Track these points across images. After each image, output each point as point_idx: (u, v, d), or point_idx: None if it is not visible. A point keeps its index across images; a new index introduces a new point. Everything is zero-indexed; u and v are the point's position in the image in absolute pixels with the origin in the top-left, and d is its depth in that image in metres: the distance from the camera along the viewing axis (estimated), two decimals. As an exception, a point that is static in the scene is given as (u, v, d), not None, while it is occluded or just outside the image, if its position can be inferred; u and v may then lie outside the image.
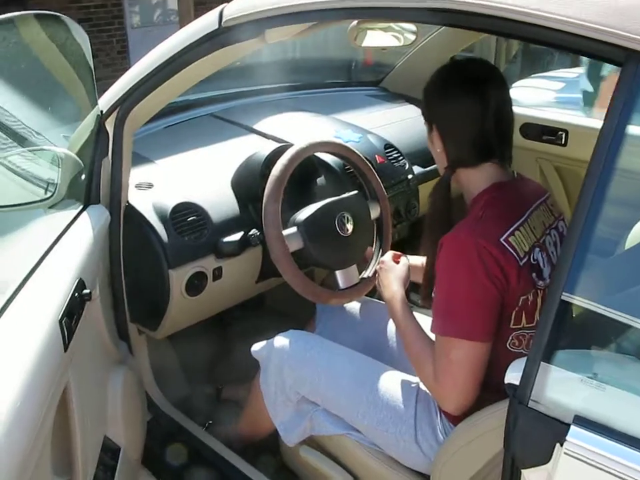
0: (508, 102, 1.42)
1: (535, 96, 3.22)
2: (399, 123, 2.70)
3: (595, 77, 3.02)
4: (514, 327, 1.36)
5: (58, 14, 1.57)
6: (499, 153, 1.42)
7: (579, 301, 0.98)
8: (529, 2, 1.03)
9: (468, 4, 1.07)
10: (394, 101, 2.97)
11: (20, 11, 1.52)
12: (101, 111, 1.68)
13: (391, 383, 1.61)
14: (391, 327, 1.87)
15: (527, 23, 1.04)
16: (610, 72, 2.87)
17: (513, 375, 1.05)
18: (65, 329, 1.26)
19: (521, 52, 7.68)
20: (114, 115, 1.70)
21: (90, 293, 1.42)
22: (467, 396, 1.35)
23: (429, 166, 2.52)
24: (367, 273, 1.96)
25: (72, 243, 1.52)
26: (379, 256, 2.00)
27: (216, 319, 2.11)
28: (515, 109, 1.45)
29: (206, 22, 1.49)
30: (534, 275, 1.34)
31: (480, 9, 1.08)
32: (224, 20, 1.44)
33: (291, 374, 1.72)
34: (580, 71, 4.95)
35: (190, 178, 1.99)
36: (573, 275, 0.98)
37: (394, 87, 3.09)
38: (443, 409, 1.44)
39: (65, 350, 1.26)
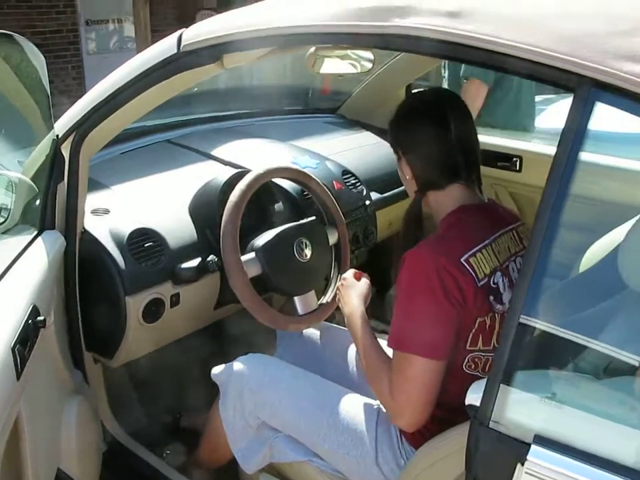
0: (470, 124, 1.47)
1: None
2: (356, 150, 2.72)
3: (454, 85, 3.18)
4: (470, 348, 1.37)
5: (12, 33, 1.55)
6: (464, 174, 1.45)
7: (537, 324, 1.00)
8: (485, 29, 1.05)
9: (429, 30, 1.09)
10: (351, 128, 3.00)
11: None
12: (57, 135, 1.66)
13: (352, 405, 1.61)
14: (351, 351, 1.87)
15: (482, 49, 1.06)
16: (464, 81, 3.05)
17: (473, 397, 1.06)
18: (17, 356, 1.23)
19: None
20: (70, 139, 1.68)
21: (44, 320, 1.39)
22: (420, 413, 1.35)
23: (387, 192, 2.55)
24: (326, 299, 1.96)
25: (26, 269, 1.49)
26: (337, 281, 2.00)
27: (174, 346, 2.09)
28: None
29: (164, 46, 1.49)
30: (491, 297, 1.35)
31: (435, 34, 1.10)
32: (182, 44, 1.44)
33: (250, 398, 1.70)
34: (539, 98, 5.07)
35: (147, 204, 1.97)
36: (531, 298, 0.99)
37: (351, 114, 3.12)
38: (396, 424, 1.44)
39: (18, 378, 1.23)
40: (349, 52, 2.21)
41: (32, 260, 1.54)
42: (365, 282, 1.72)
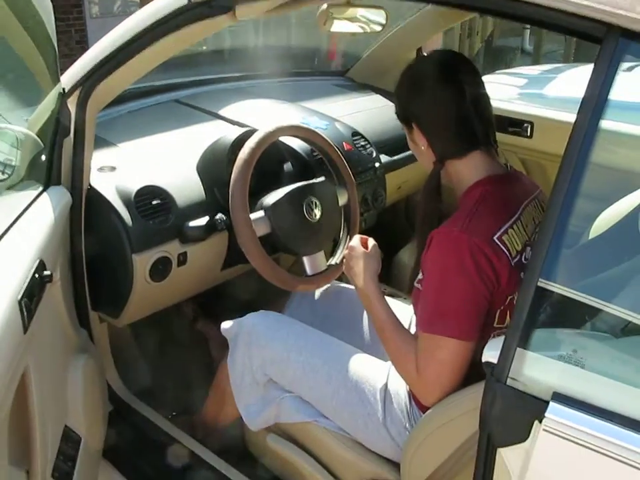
0: (482, 86, 1.41)
1: (499, 91, 3.22)
2: (365, 112, 2.68)
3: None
4: (497, 325, 1.34)
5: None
6: (483, 138, 1.40)
7: (555, 287, 0.97)
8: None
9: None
10: (360, 91, 2.95)
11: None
12: (63, 89, 1.62)
13: (362, 364, 1.60)
14: (362, 311, 1.85)
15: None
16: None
17: (490, 354, 1.04)
18: (24, 309, 1.21)
19: (483, 49, 7.75)
20: (76, 93, 1.64)
21: (51, 274, 1.37)
22: (449, 393, 1.32)
23: (396, 155, 2.51)
24: (335, 260, 1.93)
25: (32, 224, 1.46)
26: (346, 242, 1.98)
27: (181, 305, 2.07)
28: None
29: (174, -2, 1.45)
30: (522, 274, 1.31)
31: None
32: (193, -5, 1.40)
33: (259, 353, 1.69)
34: (542, 68, 5.00)
35: (154, 162, 1.94)
36: (549, 261, 0.97)
37: (360, 77, 3.07)
38: (424, 403, 1.40)
39: (25, 331, 1.21)
40: (359, 14, 2.18)
41: (37, 215, 1.51)
42: (373, 250, 1.64)
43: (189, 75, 2.68)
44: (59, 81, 1.62)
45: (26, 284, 1.24)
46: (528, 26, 11.52)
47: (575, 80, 3.95)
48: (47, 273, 1.36)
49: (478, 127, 1.38)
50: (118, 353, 2.01)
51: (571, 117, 2.85)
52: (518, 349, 0.99)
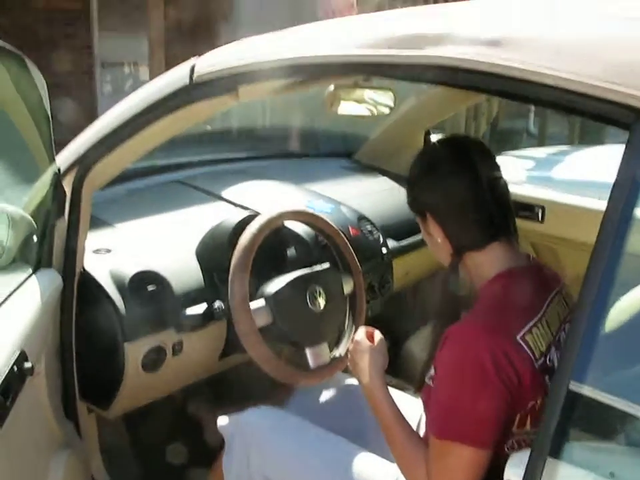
0: (499, 170, 1.33)
1: (507, 173, 3.19)
2: (372, 195, 2.62)
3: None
4: (517, 430, 1.22)
5: (19, 53, 1.45)
6: (504, 228, 1.30)
7: (589, 391, 0.87)
8: (529, 58, 0.95)
9: (467, 61, 0.99)
10: (367, 173, 2.90)
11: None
12: (59, 169, 1.56)
13: (368, 467, 1.48)
14: (367, 407, 1.73)
15: (525, 80, 0.95)
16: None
17: (514, 472, 0.92)
18: None
19: (489, 131, 7.79)
20: (72, 173, 1.58)
21: (32, 367, 1.27)
22: None
23: (404, 239, 2.43)
24: (339, 352, 1.82)
25: (16, 310, 1.37)
26: (351, 333, 1.87)
27: (175, 396, 1.96)
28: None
29: (176, 76, 1.39)
30: (547, 377, 1.20)
31: (474, 65, 0.99)
32: (195, 75, 1.35)
33: (258, 453, 1.57)
34: (548, 150, 4.99)
35: (151, 245, 1.86)
36: (581, 362, 0.87)
37: (367, 159, 3.02)
38: None
39: (-3, 432, 1.10)
40: (367, 96, 2.14)
41: (24, 300, 1.42)
42: (380, 344, 1.53)
43: (192, 155, 2.64)
44: (54, 159, 1.56)
45: (2, 378, 1.14)
46: (533, 108, 11.69)
47: (583, 163, 3.93)
48: (27, 365, 1.26)
49: (497, 215, 1.28)
50: (106, 446, 1.88)
51: (583, 201, 2.78)
52: (547, 467, 0.87)
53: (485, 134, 7.41)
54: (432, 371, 1.30)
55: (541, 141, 9.34)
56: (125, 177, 2.28)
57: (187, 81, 1.36)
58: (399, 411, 1.38)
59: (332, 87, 1.99)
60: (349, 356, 1.54)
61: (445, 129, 5.05)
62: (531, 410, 1.20)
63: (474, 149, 1.33)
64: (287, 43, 1.27)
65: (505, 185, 1.33)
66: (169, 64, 7.74)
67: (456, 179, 1.28)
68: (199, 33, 5.79)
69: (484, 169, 1.28)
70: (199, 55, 1.39)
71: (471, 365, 1.16)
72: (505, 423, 1.19)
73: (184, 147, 2.68)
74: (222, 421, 1.65)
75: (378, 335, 1.56)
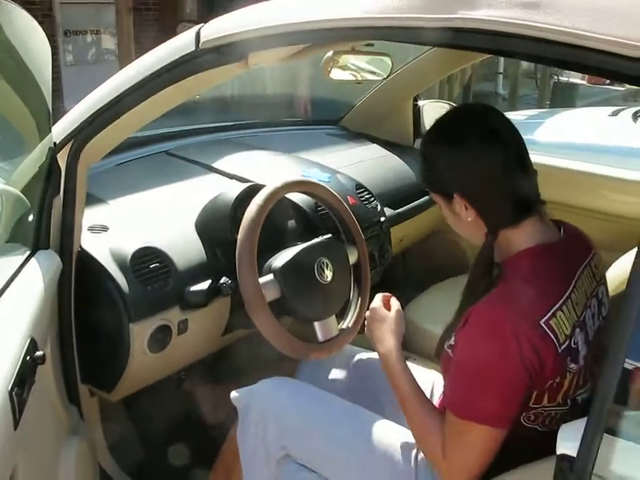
0: (521, 138, 1.24)
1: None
2: (364, 163, 2.56)
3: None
4: (533, 405, 1.19)
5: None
6: (536, 200, 1.24)
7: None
8: (571, 21, 0.90)
9: (503, 24, 0.93)
10: (356, 140, 2.84)
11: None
12: (54, 143, 1.47)
13: (389, 433, 1.46)
14: (380, 376, 1.70)
15: (567, 44, 0.90)
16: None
17: (566, 445, 0.89)
18: (15, 401, 1.04)
19: (462, 94, 7.78)
20: (67, 147, 1.49)
21: (43, 355, 1.20)
22: (476, 476, 1.20)
23: (399, 207, 2.40)
24: (346, 323, 1.79)
25: (20, 296, 1.30)
26: (357, 304, 1.83)
27: (178, 374, 1.91)
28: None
29: (181, 43, 1.32)
30: (569, 359, 1.17)
31: (511, 28, 0.94)
32: (202, 41, 1.27)
33: (274, 424, 1.54)
34: (527, 113, 4.97)
35: (149, 220, 1.79)
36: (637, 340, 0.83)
37: (354, 126, 2.97)
38: None
39: (15, 427, 1.04)
40: (364, 60, 2.09)
41: (26, 285, 1.35)
42: (397, 311, 1.50)
43: (178, 124, 2.54)
44: (49, 132, 1.47)
45: (17, 369, 1.08)
46: (501, 70, 11.68)
47: (564, 125, 3.92)
48: (39, 353, 1.20)
49: (528, 187, 1.22)
50: (110, 428, 1.83)
51: (571, 164, 2.72)
52: (605, 440, 0.84)
53: (458, 97, 7.38)
54: (452, 341, 1.26)
55: (512, 104, 9.36)
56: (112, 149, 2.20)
57: (192, 47, 1.29)
58: (415, 381, 1.36)
59: (330, 53, 1.93)
60: (366, 324, 1.51)
61: (420, 94, 5.00)
62: (549, 388, 1.18)
63: (495, 116, 1.25)
64: (301, 6, 1.20)
65: (530, 159, 1.25)
66: (135, 32, 7.55)
67: (487, 152, 1.20)
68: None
69: (510, 138, 1.21)
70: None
71: (494, 347, 1.13)
72: (523, 401, 1.17)
73: (167, 116, 2.59)
74: (235, 393, 1.61)
75: (395, 303, 1.54)
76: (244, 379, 1.68)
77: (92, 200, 1.84)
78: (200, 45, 1.28)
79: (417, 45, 1.89)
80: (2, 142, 1.68)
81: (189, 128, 2.59)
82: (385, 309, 1.53)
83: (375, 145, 2.79)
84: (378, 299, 1.55)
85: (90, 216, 1.73)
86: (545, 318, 1.13)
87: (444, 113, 1.32)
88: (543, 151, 2.70)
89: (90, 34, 8.63)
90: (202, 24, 1.31)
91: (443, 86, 6.94)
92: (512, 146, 1.21)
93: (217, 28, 1.27)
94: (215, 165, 2.21)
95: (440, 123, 1.30)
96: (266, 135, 2.77)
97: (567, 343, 1.15)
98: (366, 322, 1.53)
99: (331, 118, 3.03)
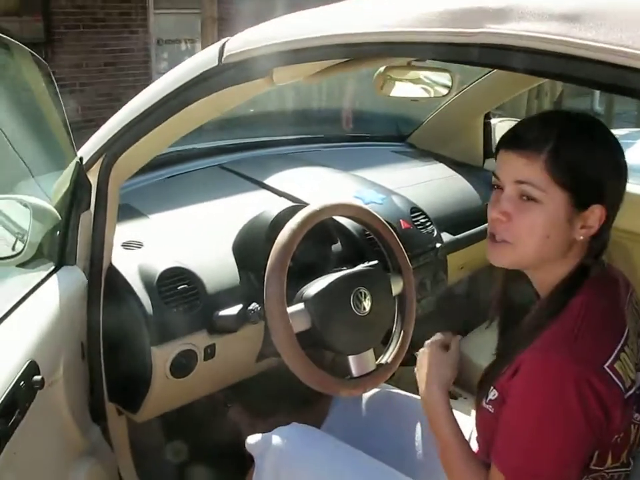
0: None
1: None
2: (426, 184, 2.43)
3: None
4: (594, 467, 1.05)
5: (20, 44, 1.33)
6: None
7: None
8: (615, 36, 0.76)
9: (536, 39, 0.81)
10: (422, 159, 2.71)
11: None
12: (80, 158, 1.44)
13: None
14: (416, 424, 1.59)
15: (611, 63, 0.77)
16: None
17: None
18: None
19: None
20: (98, 163, 1.46)
21: (42, 380, 1.15)
22: None
23: (459, 233, 2.26)
24: (385, 359, 1.66)
25: (31, 313, 1.26)
26: (400, 338, 1.71)
27: (208, 398, 1.83)
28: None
29: (204, 58, 1.25)
30: (635, 407, 1.03)
31: (544, 44, 0.81)
32: (225, 55, 1.20)
33: (288, 476, 1.44)
34: (618, 133, 4.69)
35: (186, 238, 1.73)
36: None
37: (422, 144, 2.84)
38: None
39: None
40: (422, 75, 1.98)
41: (40, 302, 1.31)
42: (451, 354, 1.36)
43: (235, 138, 2.49)
44: (73, 148, 1.44)
45: (2, 397, 1.02)
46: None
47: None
48: (37, 378, 1.14)
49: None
50: (138, 450, 1.78)
51: None
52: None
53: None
54: (493, 395, 1.13)
55: (608, 121, 8.93)
56: (162, 162, 2.16)
57: (215, 62, 1.21)
58: (459, 428, 1.23)
59: (382, 69, 1.84)
60: (417, 359, 1.38)
61: (504, 110, 4.80)
62: (614, 445, 1.03)
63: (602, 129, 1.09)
64: (326, 19, 1.10)
65: None
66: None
67: (620, 158, 1.05)
68: (252, 8, 5.66)
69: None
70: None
71: (553, 402, 0.99)
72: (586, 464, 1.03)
73: (227, 129, 2.54)
74: (251, 440, 1.52)
75: (455, 342, 1.40)
76: (275, 414, 1.59)
77: (132, 213, 1.81)
78: (223, 60, 1.20)
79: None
80: (46, 158, 1.68)
81: (248, 141, 2.54)
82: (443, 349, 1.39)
83: (441, 165, 2.66)
84: (437, 336, 1.42)
85: (128, 230, 1.70)
86: (609, 362, 0.98)
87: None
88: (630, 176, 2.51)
89: (183, 42, 8.83)
90: (227, 37, 1.24)
91: (531, 102, 6.68)
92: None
93: (242, 41, 1.20)
94: (267, 181, 2.14)
95: (566, 115, 1.11)
96: (328, 151, 2.68)
97: (633, 389, 1.01)
98: (417, 357, 1.40)
99: (398, 134, 2.91)
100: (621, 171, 1.05)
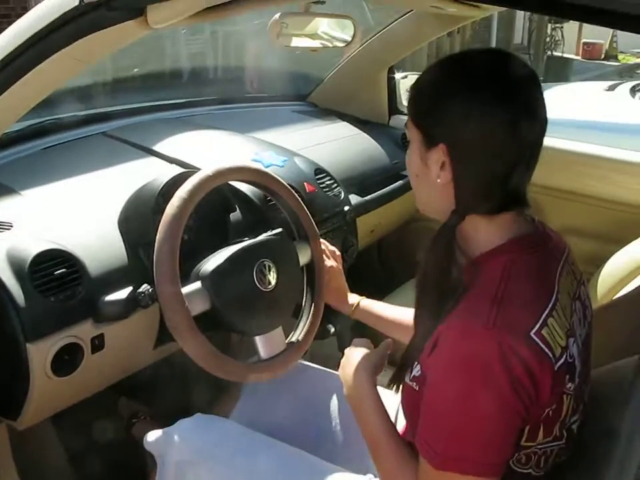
0: (546, 116, 0.96)
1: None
2: (330, 143, 2.30)
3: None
4: (525, 443, 0.95)
5: None
6: (524, 195, 0.99)
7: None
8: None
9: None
10: (324, 118, 2.57)
11: None
12: None
13: None
14: (335, 402, 1.47)
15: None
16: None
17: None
18: None
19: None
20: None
21: None
22: None
23: (368, 194, 2.13)
24: (296, 336, 1.52)
25: None
26: (311, 311, 1.57)
27: (105, 392, 1.65)
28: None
29: (60, -2, 1.04)
30: (567, 377, 0.93)
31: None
32: (86, -7, 1.00)
33: (195, 475, 1.30)
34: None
35: (63, 215, 1.52)
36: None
37: (323, 102, 2.70)
38: None
39: None
40: (321, 25, 1.83)
41: None
42: (381, 349, 1.26)
43: (120, 103, 2.27)
44: None
45: None
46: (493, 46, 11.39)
47: (558, 100, 3.64)
48: None
49: (527, 178, 0.98)
50: (22, 461, 1.58)
51: (565, 143, 2.39)
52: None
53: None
54: (416, 371, 1.01)
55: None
56: (37, 132, 1.93)
57: (75, 2, 1.01)
58: (389, 421, 1.12)
59: (277, 16, 1.66)
60: (341, 361, 1.26)
61: (405, 68, 4.71)
62: (545, 418, 0.93)
63: (530, 80, 0.96)
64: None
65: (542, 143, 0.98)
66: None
67: (502, 110, 0.91)
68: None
69: (539, 113, 0.94)
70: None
71: (478, 375, 0.88)
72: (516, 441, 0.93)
73: (110, 93, 2.31)
74: (149, 437, 1.36)
75: (384, 345, 1.28)
76: (185, 401, 1.43)
77: (1, 190, 1.58)
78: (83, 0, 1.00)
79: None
80: None
81: (134, 106, 2.31)
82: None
83: (344, 123, 2.53)
84: (357, 341, 1.30)
85: (-5, 210, 1.47)
86: (536, 328, 0.89)
87: (475, 49, 1.02)
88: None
89: None
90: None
91: (431, 60, 6.66)
92: (538, 115, 0.94)
93: (106, -24, 1.00)
94: (156, 147, 1.93)
95: (460, 55, 1.03)
96: (223, 113, 2.50)
97: (563, 357, 0.92)
98: (341, 361, 1.27)
99: (297, 93, 2.75)
100: (462, 109, 0.94)
